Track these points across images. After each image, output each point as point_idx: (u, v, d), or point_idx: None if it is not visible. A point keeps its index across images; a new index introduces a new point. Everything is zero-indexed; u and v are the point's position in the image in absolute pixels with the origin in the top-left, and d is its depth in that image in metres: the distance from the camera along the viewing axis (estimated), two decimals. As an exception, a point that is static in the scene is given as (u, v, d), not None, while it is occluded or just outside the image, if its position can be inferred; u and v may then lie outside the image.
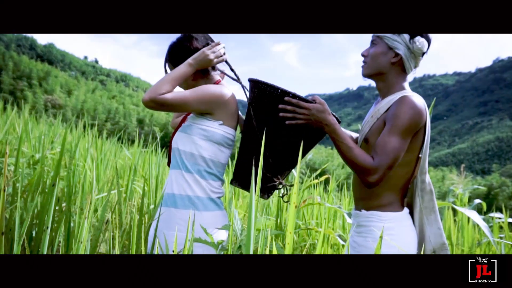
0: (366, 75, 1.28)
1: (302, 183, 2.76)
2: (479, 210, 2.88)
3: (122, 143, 4.34)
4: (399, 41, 1.20)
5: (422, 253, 1.21)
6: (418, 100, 1.17)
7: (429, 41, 1.23)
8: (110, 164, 2.13)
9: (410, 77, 1.28)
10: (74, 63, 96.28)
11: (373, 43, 1.26)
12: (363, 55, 1.28)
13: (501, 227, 2.57)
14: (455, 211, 2.40)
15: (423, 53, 1.23)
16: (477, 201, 2.89)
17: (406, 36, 1.20)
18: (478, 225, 2.77)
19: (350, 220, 2.08)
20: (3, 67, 31.52)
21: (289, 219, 0.45)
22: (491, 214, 2.57)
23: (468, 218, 2.51)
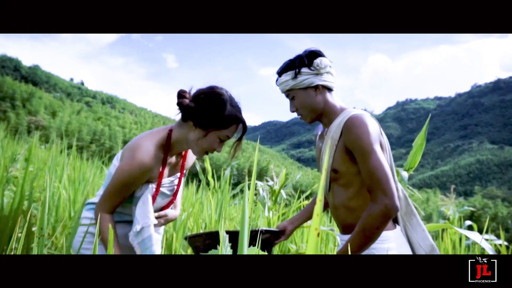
0: (311, 122, 1.29)
1: (290, 205, 2.67)
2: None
3: (104, 164, 4.19)
4: (305, 78, 1.22)
5: None
6: (363, 113, 1.19)
7: (319, 52, 1.25)
8: (89, 185, 2.01)
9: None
10: (59, 84, 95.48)
11: (289, 97, 1.28)
12: (293, 111, 1.29)
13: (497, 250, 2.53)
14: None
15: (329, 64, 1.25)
16: (468, 222, 2.86)
17: (305, 69, 1.22)
18: (469, 247, 2.72)
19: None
20: (-15, 88, 30.98)
21: (308, 248, 0.36)
22: (484, 236, 2.53)
23: (460, 240, 2.46)
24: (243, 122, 1.23)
